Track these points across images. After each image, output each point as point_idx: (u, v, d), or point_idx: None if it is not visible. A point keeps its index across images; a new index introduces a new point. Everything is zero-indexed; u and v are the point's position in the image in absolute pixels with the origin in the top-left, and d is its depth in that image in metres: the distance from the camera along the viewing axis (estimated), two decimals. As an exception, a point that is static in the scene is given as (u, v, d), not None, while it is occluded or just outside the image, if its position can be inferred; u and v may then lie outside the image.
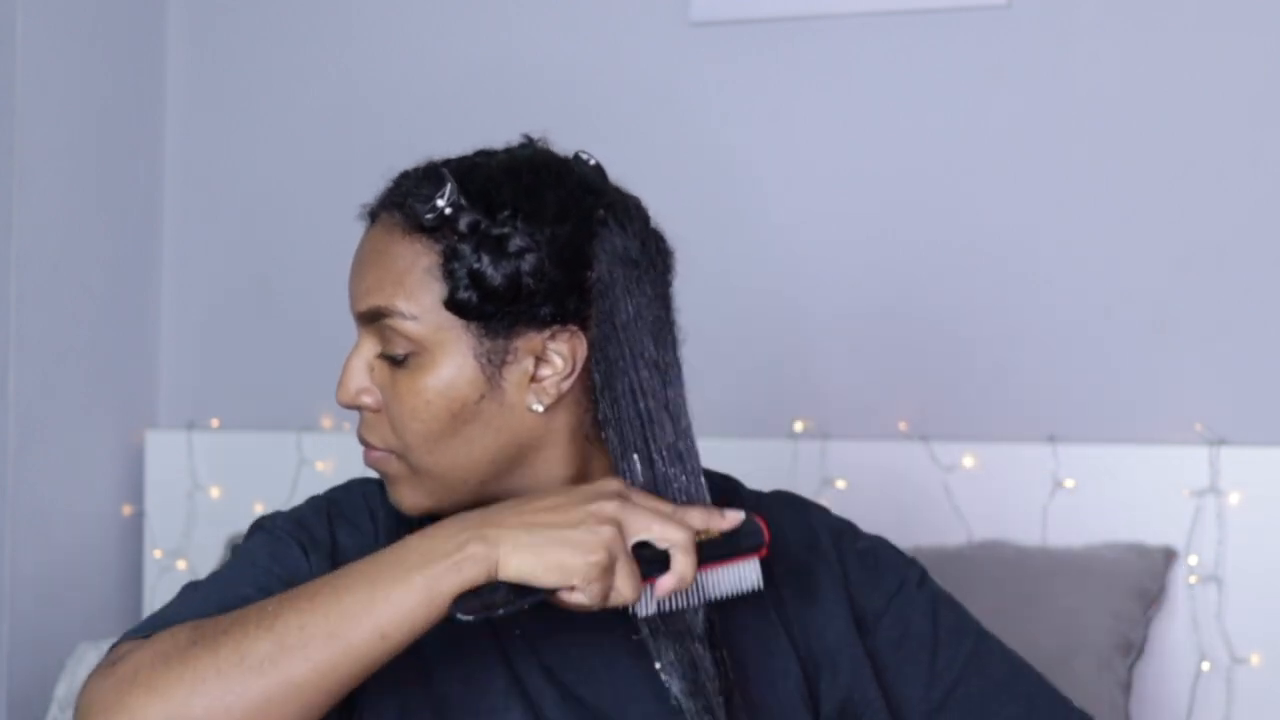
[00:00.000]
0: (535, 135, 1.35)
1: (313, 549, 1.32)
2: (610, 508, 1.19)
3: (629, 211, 1.31)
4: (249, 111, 2.96)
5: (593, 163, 1.34)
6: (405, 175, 1.32)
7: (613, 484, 1.22)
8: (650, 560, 1.20)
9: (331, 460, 2.79)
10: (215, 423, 2.92)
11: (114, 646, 1.24)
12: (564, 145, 1.36)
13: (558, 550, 1.16)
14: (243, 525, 2.80)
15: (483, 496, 1.30)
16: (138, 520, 2.91)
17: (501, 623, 1.30)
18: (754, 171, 2.66)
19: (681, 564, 1.20)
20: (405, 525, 1.35)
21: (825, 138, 2.64)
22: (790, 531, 1.38)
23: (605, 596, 1.18)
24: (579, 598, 1.17)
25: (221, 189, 2.97)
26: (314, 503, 1.38)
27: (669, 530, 1.20)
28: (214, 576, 1.33)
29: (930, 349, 2.57)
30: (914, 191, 2.60)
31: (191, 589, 1.31)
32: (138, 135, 2.95)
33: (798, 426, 2.56)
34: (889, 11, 2.61)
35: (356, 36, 2.90)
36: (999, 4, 2.56)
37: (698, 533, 1.22)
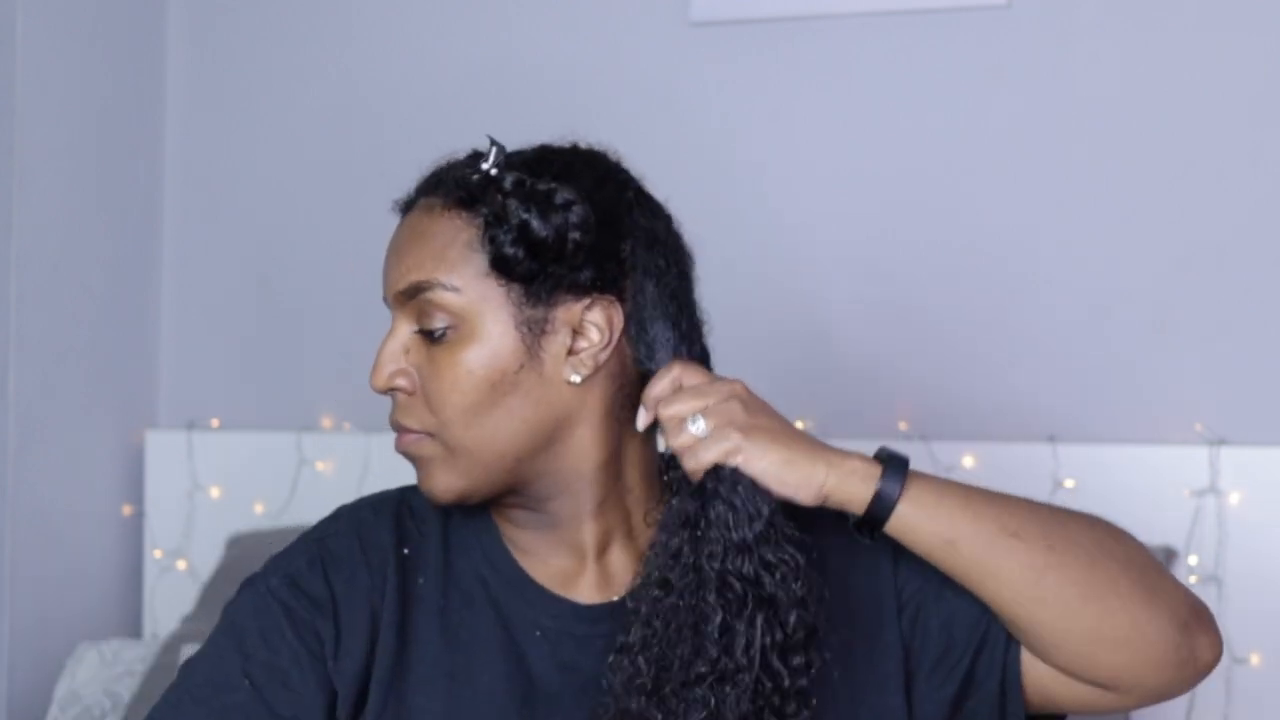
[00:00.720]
0: (533, 137, 1.37)
1: (317, 612, 1.31)
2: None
3: (656, 205, 1.36)
4: (249, 111, 2.96)
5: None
6: (439, 164, 1.35)
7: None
8: None
9: (331, 460, 2.79)
10: (215, 423, 2.92)
11: None
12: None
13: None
14: (243, 525, 2.81)
15: (518, 475, 1.31)
16: (138, 520, 2.91)
17: (521, 624, 1.30)
18: (754, 172, 2.66)
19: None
20: (400, 545, 1.35)
21: (825, 138, 2.64)
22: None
23: None
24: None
25: (221, 189, 2.97)
26: (306, 550, 1.35)
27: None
28: (202, 669, 1.31)
29: (930, 349, 2.57)
30: (914, 191, 2.60)
31: (181, 690, 1.31)
32: (138, 135, 2.95)
33: (798, 426, 2.56)
34: (889, 11, 2.61)
35: (356, 36, 2.90)
36: (999, 4, 2.56)
37: None
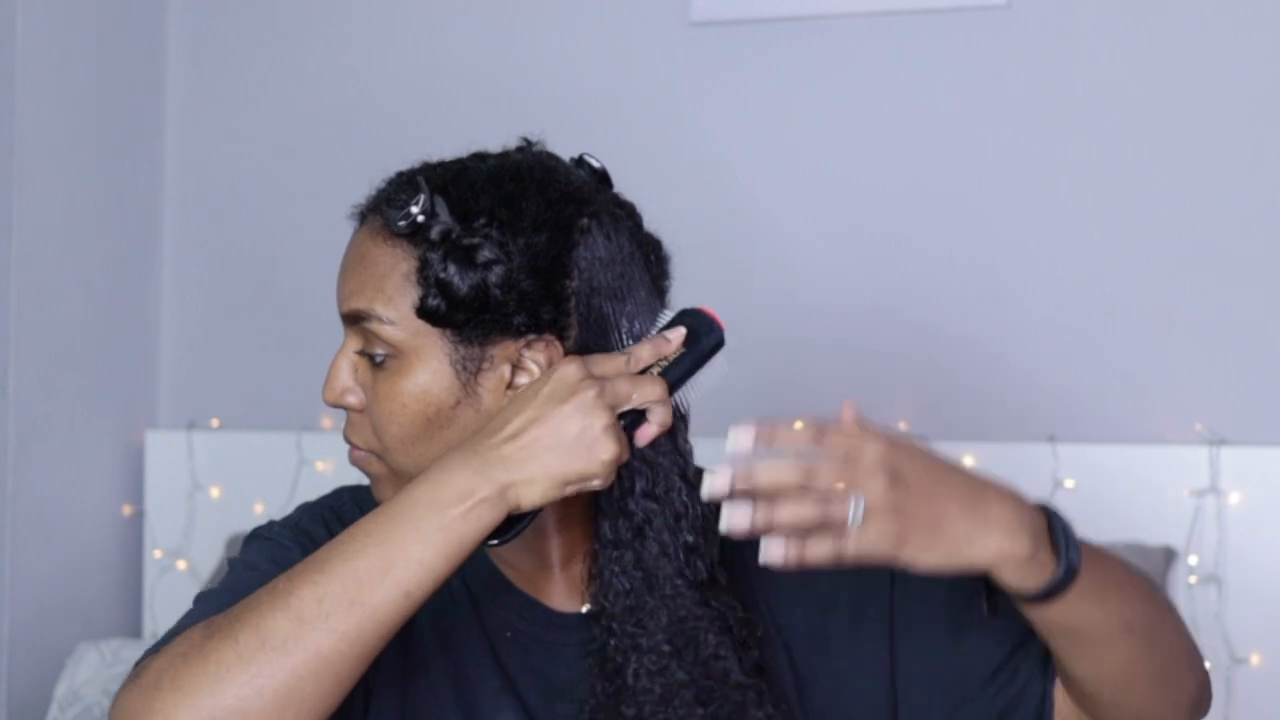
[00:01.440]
0: (533, 138, 1.35)
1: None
2: (591, 395, 1.19)
3: (616, 220, 1.30)
4: (249, 111, 2.96)
5: (597, 166, 1.34)
6: (393, 178, 1.34)
7: (570, 369, 1.20)
8: (628, 418, 1.23)
9: (331, 460, 2.79)
10: (215, 423, 2.92)
11: (136, 665, 1.24)
12: (563, 146, 1.36)
13: (570, 463, 1.18)
14: (243, 525, 2.80)
15: None
16: (138, 520, 2.91)
17: (494, 625, 1.30)
18: (753, 171, 2.66)
19: (660, 414, 1.23)
20: None
21: (825, 138, 2.64)
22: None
23: (611, 475, 1.20)
24: (602, 485, 1.20)
25: (221, 189, 2.97)
26: (309, 509, 1.37)
27: (644, 390, 1.22)
28: (221, 586, 1.31)
29: (930, 349, 2.57)
30: (913, 191, 2.60)
31: (202, 599, 1.30)
32: (138, 135, 2.95)
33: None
34: (889, 11, 2.61)
35: (356, 36, 2.90)
36: (999, 4, 2.56)
37: (653, 364, 1.25)
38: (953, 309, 2.56)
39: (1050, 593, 1.19)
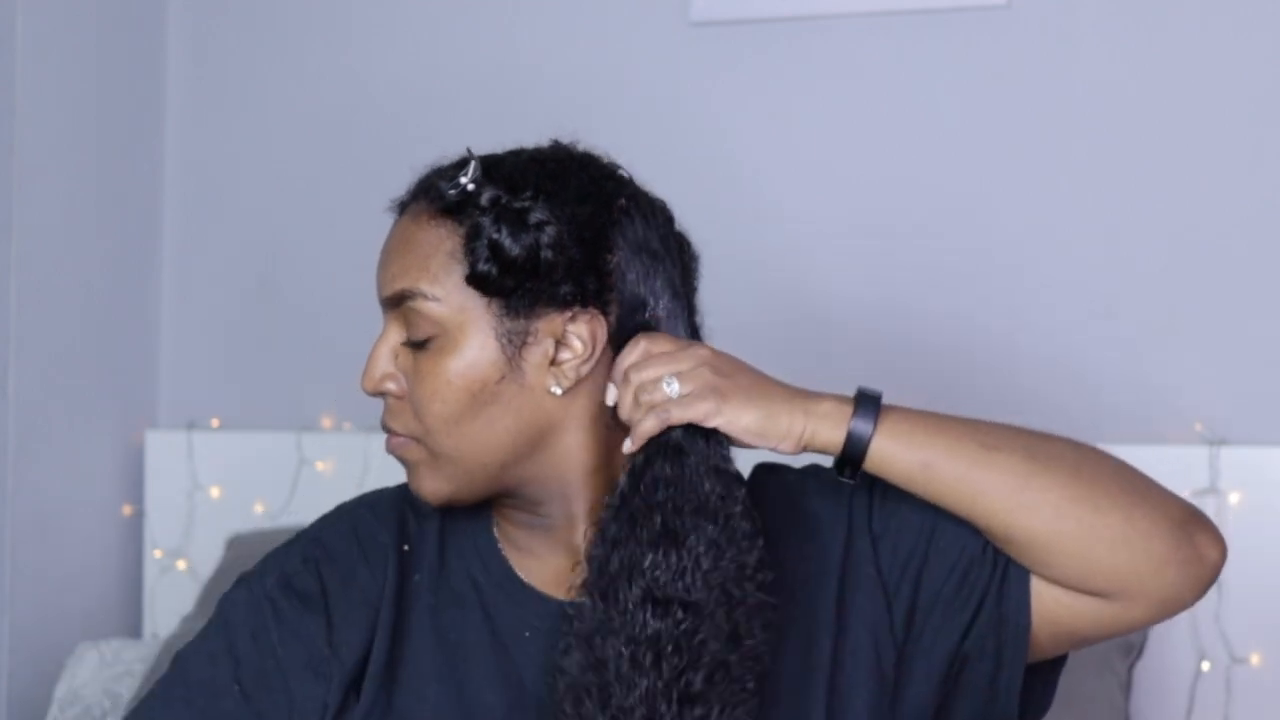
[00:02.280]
0: (564, 138, 1.38)
1: (305, 610, 1.32)
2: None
3: (653, 209, 1.34)
4: (249, 111, 2.96)
5: (624, 173, 1.37)
6: (433, 167, 1.35)
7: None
8: None
9: (331, 460, 2.79)
10: (215, 423, 2.92)
11: None
12: (593, 148, 1.39)
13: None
14: (243, 525, 2.81)
15: (504, 481, 1.32)
16: (138, 520, 2.91)
17: (508, 626, 1.30)
18: (753, 171, 2.66)
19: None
20: (399, 543, 1.35)
21: (825, 138, 2.64)
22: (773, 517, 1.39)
23: None
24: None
25: (222, 188, 2.97)
26: (302, 549, 1.37)
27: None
28: (195, 667, 1.32)
29: (930, 349, 2.56)
30: (914, 191, 2.60)
31: (173, 683, 1.32)
32: (138, 135, 2.95)
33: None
34: (889, 11, 2.61)
35: (357, 36, 2.90)
36: (999, 4, 2.56)
37: None
38: (952, 309, 2.56)
39: (861, 435, 1.30)
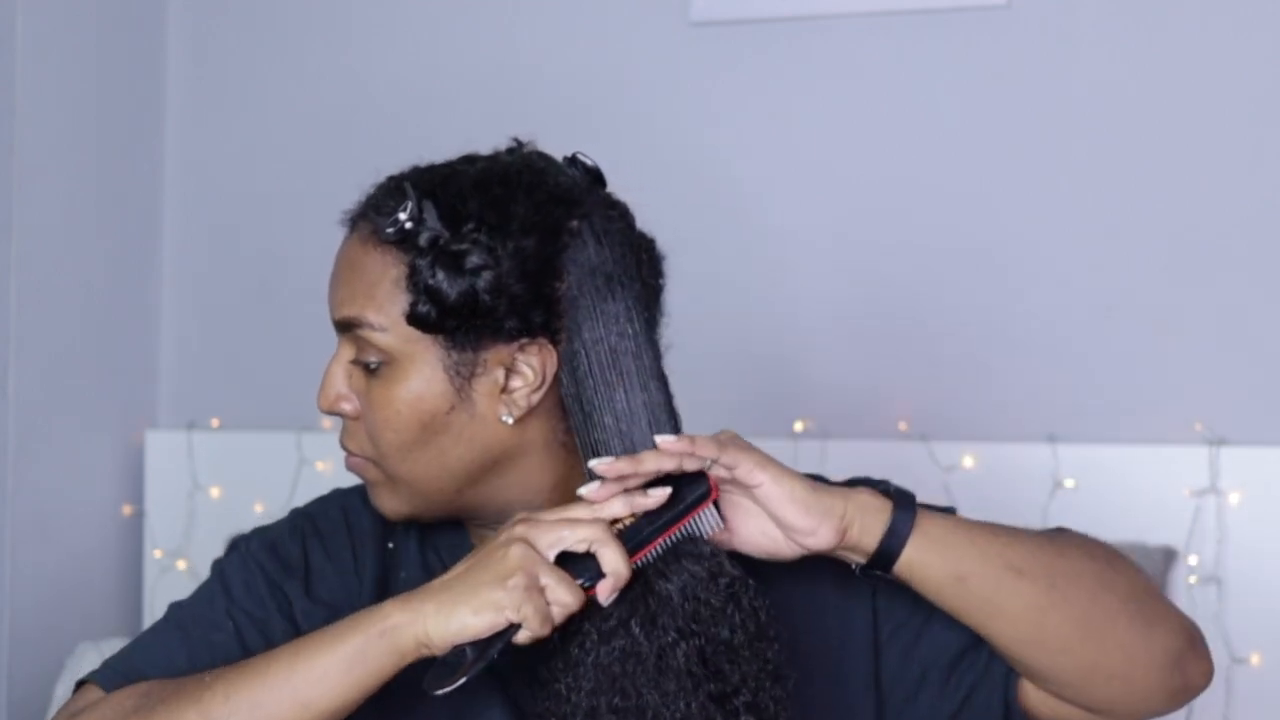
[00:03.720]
0: (524, 139, 1.35)
1: (286, 575, 1.32)
2: (516, 532, 1.19)
3: (608, 221, 1.29)
4: (249, 111, 2.96)
5: (590, 164, 1.33)
6: (383, 183, 1.34)
7: (515, 520, 1.22)
8: (590, 570, 1.20)
9: (331, 460, 2.79)
10: (215, 423, 2.92)
11: (81, 683, 1.28)
12: (563, 145, 1.36)
13: (476, 592, 1.17)
14: (243, 525, 2.80)
15: (462, 504, 1.31)
16: (138, 520, 2.91)
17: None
18: (753, 171, 2.66)
19: (610, 558, 1.19)
20: (384, 538, 1.35)
21: (825, 138, 2.64)
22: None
23: (548, 617, 1.18)
24: (525, 633, 1.17)
25: (221, 189, 2.97)
26: (292, 520, 1.38)
27: (578, 531, 1.20)
28: (190, 607, 1.33)
29: (930, 349, 2.57)
30: (914, 191, 2.60)
31: (169, 620, 1.33)
32: (138, 135, 2.95)
33: (798, 426, 2.56)
34: (889, 11, 2.61)
35: (357, 37, 2.90)
36: (999, 4, 2.56)
37: (625, 519, 1.22)
38: (952, 309, 2.56)
39: (897, 538, 1.23)
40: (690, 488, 1.23)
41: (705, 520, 1.24)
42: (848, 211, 2.62)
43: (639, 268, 1.29)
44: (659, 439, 1.23)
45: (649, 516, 1.22)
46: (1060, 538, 1.31)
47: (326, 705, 1.18)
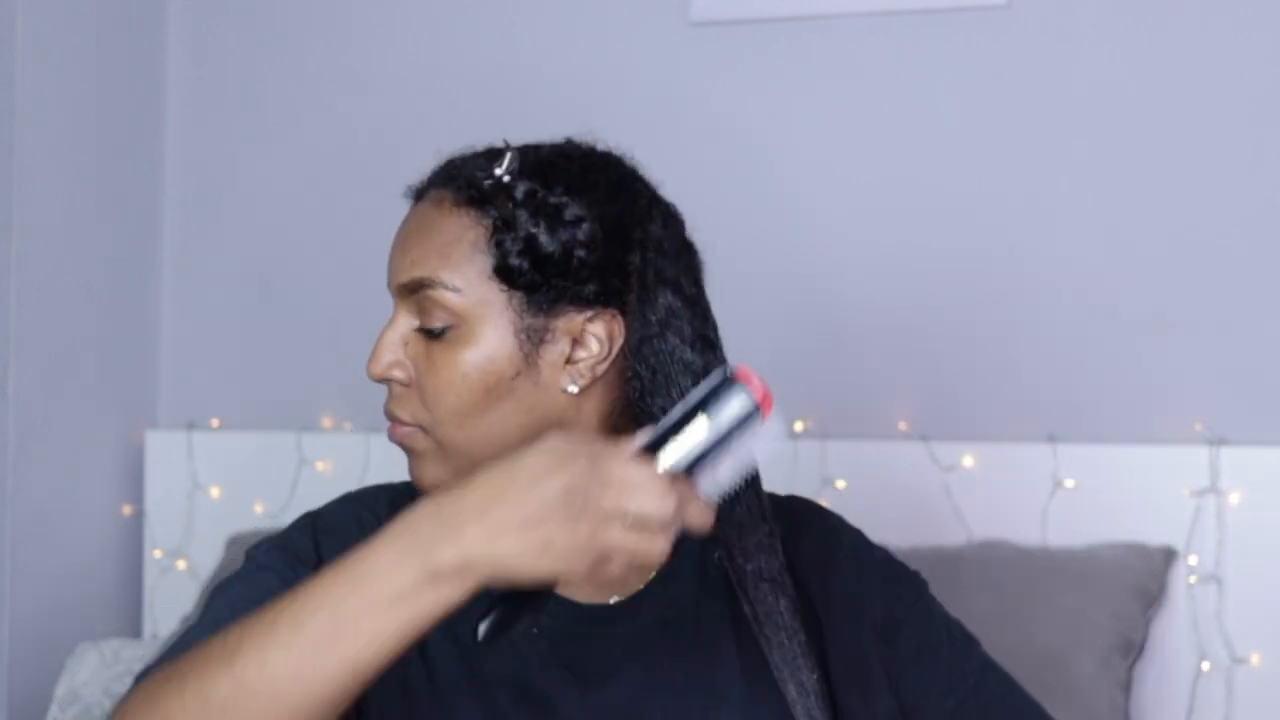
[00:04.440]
0: (580, 137, 1.37)
1: (300, 566, 1.30)
2: (589, 475, 1.06)
3: (669, 210, 1.34)
4: (249, 111, 2.96)
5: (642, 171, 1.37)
6: (454, 157, 1.34)
7: (554, 442, 1.08)
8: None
9: (331, 460, 2.79)
10: (215, 423, 2.92)
11: (137, 678, 1.22)
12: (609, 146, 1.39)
13: (551, 540, 1.05)
14: (243, 525, 2.81)
15: None
16: (138, 520, 2.91)
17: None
18: (753, 171, 2.66)
19: (699, 516, 1.09)
20: None
21: (825, 137, 2.64)
22: (808, 538, 1.39)
23: (608, 580, 1.17)
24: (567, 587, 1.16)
25: (222, 189, 2.97)
26: (299, 520, 1.37)
27: (695, 517, 1.09)
28: (230, 580, 1.31)
29: (930, 349, 2.57)
30: (913, 191, 2.60)
31: (211, 608, 1.28)
32: (138, 135, 2.95)
33: (798, 426, 2.56)
34: (889, 11, 2.61)
35: (357, 36, 2.90)
36: (999, 4, 2.56)
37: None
38: (952, 309, 2.56)
39: None
40: (738, 408, 1.10)
41: (767, 437, 1.11)
42: (847, 211, 2.62)
43: (690, 262, 1.34)
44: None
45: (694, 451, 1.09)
46: None
47: (380, 666, 1.06)
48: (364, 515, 1.35)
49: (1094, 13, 2.54)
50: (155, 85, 2.97)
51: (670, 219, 1.33)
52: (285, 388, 2.88)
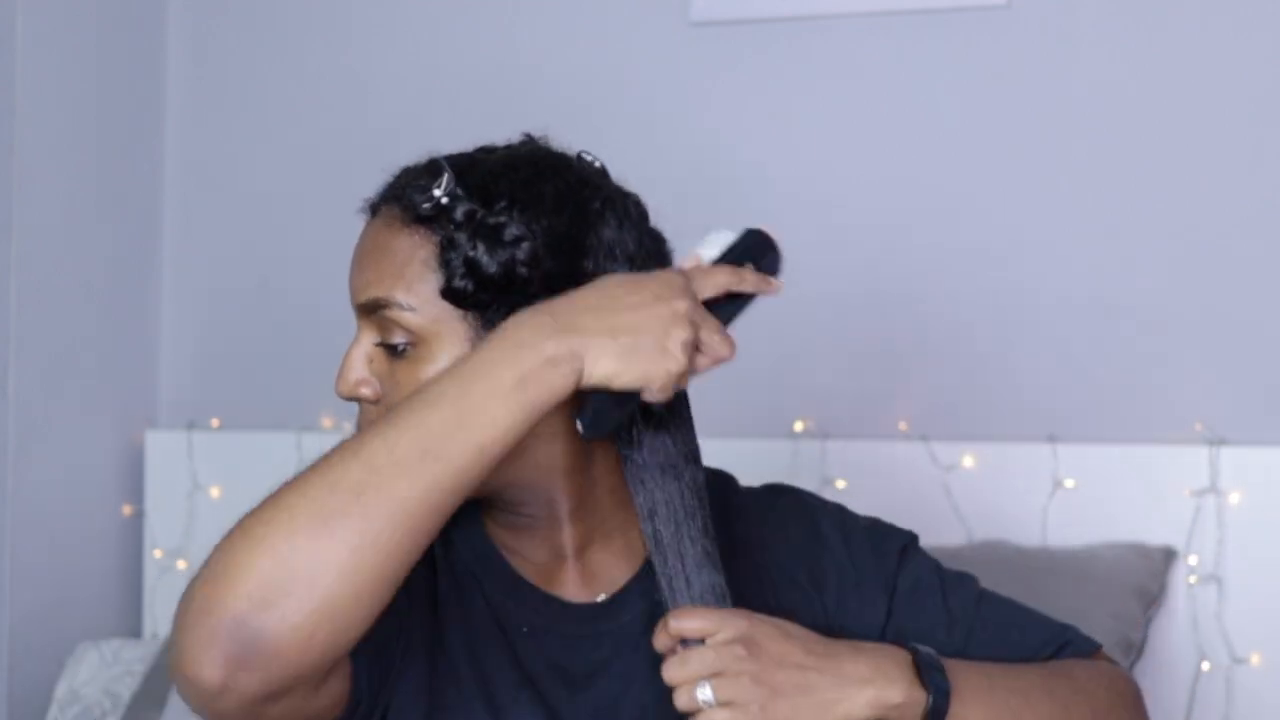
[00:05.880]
0: (536, 133, 1.36)
1: None
2: (684, 307, 1.19)
3: (627, 209, 1.32)
4: (249, 111, 2.96)
5: (596, 164, 1.34)
6: (405, 169, 1.34)
7: (676, 278, 1.22)
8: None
9: (331, 460, 2.79)
10: (215, 423, 2.92)
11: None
12: (564, 145, 1.37)
13: (642, 360, 1.17)
14: (243, 525, 2.81)
15: (481, 487, 1.29)
16: (138, 520, 2.91)
17: (511, 623, 1.30)
18: (753, 171, 2.66)
19: (720, 349, 1.23)
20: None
21: (825, 138, 2.64)
22: (791, 523, 1.40)
23: (677, 382, 1.20)
24: (656, 397, 1.19)
25: (221, 189, 2.97)
26: None
27: (713, 333, 1.22)
28: None
29: (930, 349, 2.57)
30: (913, 191, 2.60)
31: None
32: (138, 135, 2.95)
33: (798, 426, 2.56)
34: (889, 11, 2.61)
35: (357, 36, 2.90)
36: (999, 4, 2.56)
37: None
38: (952, 309, 2.56)
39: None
40: (765, 261, 1.33)
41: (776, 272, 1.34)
42: (847, 211, 2.62)
43: (654, 257, 1.32)
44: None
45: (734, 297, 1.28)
46: (1072, 698, 1.33)
47: (501, 449, 1.15)
48: None
49: (1094, 13, 2.54)
50: (155, 85, 2.97)
51: (627, 219, 1.31)
52: (285, 388, 2.88)
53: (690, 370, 1.20)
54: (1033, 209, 2.55)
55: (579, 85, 2.73)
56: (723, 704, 1.19)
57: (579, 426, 1.18)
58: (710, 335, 1.21)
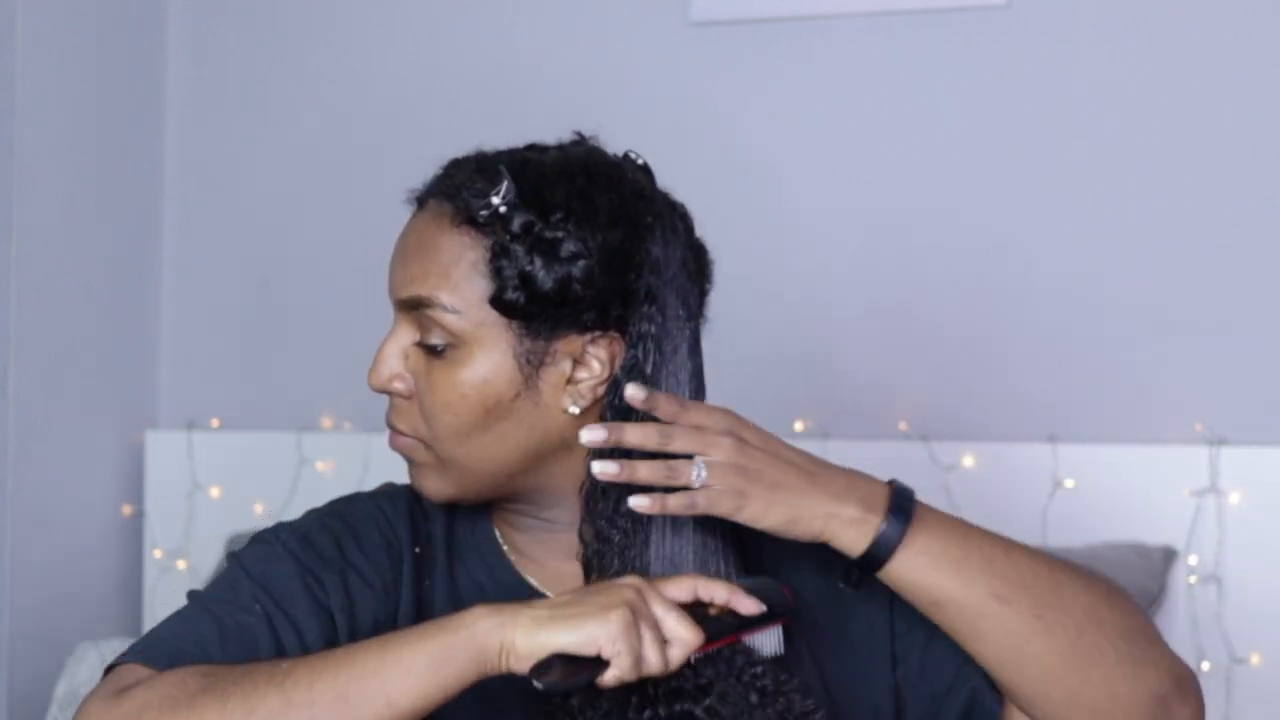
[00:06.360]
0: (587, 134, 1.34)
1: (323, 567, 1.29)
2: (630, 595, 1.17)
3: (674, 223, 1.31)
4: (249, 111, 2.96)
5: (641, 162, 1.34)
6: (457, 164, 1.31)
7: (631, 582, 1.19)
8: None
9: (331, 460, 2.79)
10: (215, 423, 2.92)
11: (113, 667, 1.22)
12: (611, 146, 1.36)
13: (574, 614, 1.15)
14: (243, 525, 2.81)
15: (510, 488, 1.30)
16: (138, 520, 2.91)
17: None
18: (753, 172, 2.66)
19: (680, 652, 1.19)
20: (413, 543, 1.34)
21: (824, 138, 2.64)
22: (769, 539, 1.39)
23: (639, 661, 1.16)
24: (613, 673, 1.16)
25: (222, 189, 2.97)
26: (319, 519, 1.34)
27: (682, 631, 1.18)
28: (213, 593, 1.29)
29: (930, 349, 2.57)
30: (913, 191, 2.60)
31: (193, 605, 1.28)
32: (138, 135, 2.95)
33: (798, 426, 2.56)
34: (889, 11, 2.61)
35: (357, 36, 2.90)
36: (999, 4, 2.56)
37: (716, 608, 1.22)
38: (952, 309, 2.56)
39: (880, 553, 1.24)
40: (777, 604, 1.25)
41: (770, 639, 1.26)
42: (847, 212, 2.62)
43: (696, 270, 1.31)
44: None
45: (732, 615, 1.22)
46: (1062, 568, 1.29)
47: (409, 704, 1.14)
48: (382, 521, 1.33)
49: (1094, 13, 2.54)
50: (155, 85, 2.97)
51: (674, 235, 1.30)
52: (285, 388, 2.88)
53: (665, 667, 1.18)
54: (1033, 209, 2.55)
55: (579, 85, 2.73)
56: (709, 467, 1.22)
57: (534, 684, 1.15)
58: (675, 626, 1.18)
